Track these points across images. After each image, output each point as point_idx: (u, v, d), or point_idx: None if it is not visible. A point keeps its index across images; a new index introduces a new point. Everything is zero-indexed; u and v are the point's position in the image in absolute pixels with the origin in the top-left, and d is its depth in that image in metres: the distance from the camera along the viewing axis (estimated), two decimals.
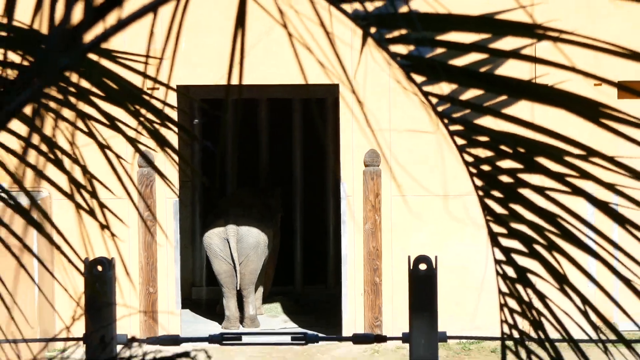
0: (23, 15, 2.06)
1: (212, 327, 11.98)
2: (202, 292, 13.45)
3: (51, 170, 2.44)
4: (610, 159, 2.10)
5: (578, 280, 2.44)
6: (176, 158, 2.65)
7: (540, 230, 2.33)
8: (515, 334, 2.58)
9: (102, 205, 2.60)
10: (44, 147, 2.48)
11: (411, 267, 4.46)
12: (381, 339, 4.95)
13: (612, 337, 2.40)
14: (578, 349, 2.40)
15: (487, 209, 2.43)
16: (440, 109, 2.34)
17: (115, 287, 4.47)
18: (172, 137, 2.86)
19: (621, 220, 2.15)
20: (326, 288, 13.60)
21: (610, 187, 2.16)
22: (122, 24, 1.58)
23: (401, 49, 2.21)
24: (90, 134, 2.59)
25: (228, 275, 11.92)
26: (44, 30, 1.62)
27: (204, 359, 2.15)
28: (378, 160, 11.18)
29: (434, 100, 2.32)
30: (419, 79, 2.28)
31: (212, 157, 12.90)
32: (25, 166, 2.05)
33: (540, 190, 2.31)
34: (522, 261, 2.45)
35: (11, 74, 2.17)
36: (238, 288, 11.93)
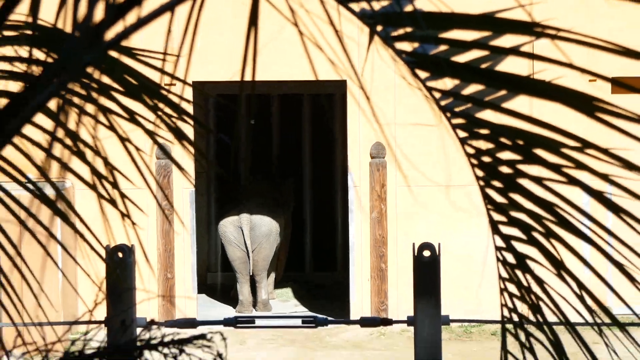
0: (47, 14, 2.06)
1: (227, 311, 12.00)
2: (217, 277, 13.47)
3: (74, 162, 2.45)
4: (605, 151, 2.09)
5: (574, 265, 2.44)
6: (192, 150, 2.66)
7: (538, 218, 2.33)
8: (515, 318, 2.58)
9: (122, 195, 2.61)
10: (67, 141, 2.48)
11: (415, 254, 4.46)
12: (387, 322, 4.96)
13: (607, 320, 2.40)
14: (574, 331, 2.40)
15: (487, 198, 2.43)
16: (443, 103, 2.34)
17: (135, 272, 4.48)
18: (189, 130, 2.87)
19: (615, 209, 2.15)
20: (335, 274, 13.60)
21: (605, 177, 2.16)
22: (141, 22, 1.58)
23: (406, 46, 2.21)
24: (112, 128, 2.59)
25: (242, 261, 11.93)
26: (68, 28, 1.62)
27: (219, 341, 2.16)
28: (384, 152, 11.17)
29: (437, 95, 2.32)
30: (423, 74, 2.28)
31: (226, 149, 12.90)
32: (50, 158, 2.05)
33: (538, 180, 2.31)
34: (521, 248, 2.45)
35: (36, 70, 2.18)
36: (251, 274, 11.94)
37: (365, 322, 5.03)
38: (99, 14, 1.57)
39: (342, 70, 2.00)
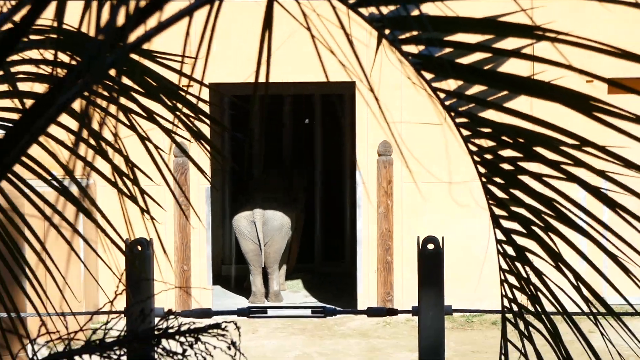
0: (72, 19, 2.07)
1: (240, 302, 12.00)
2: (231, 269, 13.48)
3: (97, 160, 2.46)
4: (602, 148, 2.09)
5: (571, 258, 2.44)
6: (208, 148, 2.66)
7: (537, 213, 2.33)
8: (515, 308, 2.58)
9: (142, 192, 2.62)
10: (90, 140, 2.49)
11: (420, 247, 4.46)
12: (393, 312, 4.96)
13: (602, 309, 2.40)
14: (571, 321, 2.40)
15: (489, 194, 2.43)
16: (447, 103, 2.34)
17: (153, 265, 4.49)
18: (205, 129, 2.87)
19: (611, 204, 2.15)
20: (343, 266, 13.61)
21: (601, 173, 2.16)
22: (161, 26, 1.59)
23: (412, 49, 2.22)
24: (132, 127, 2.60)
25: (254, 254, 11.94)
26: (91, 32, 1.63)
27: (232, 330, 2.16)
28: (390, 150, 11.17)
29: (442, 95, 2.32)
30: (428, 75, 2.28)
31: (241, 147, 12.90)
32: (74, 157, 2.06)
33: (537, 176, 2.31)
34: (521, 241, 2.45)
35: (61, 72, 2.18)
36: (263, 266, 11.95)
37: (372, 312, 5.03)
38: (120, 18, 1.57)
39: (352, 71, 2.00)
